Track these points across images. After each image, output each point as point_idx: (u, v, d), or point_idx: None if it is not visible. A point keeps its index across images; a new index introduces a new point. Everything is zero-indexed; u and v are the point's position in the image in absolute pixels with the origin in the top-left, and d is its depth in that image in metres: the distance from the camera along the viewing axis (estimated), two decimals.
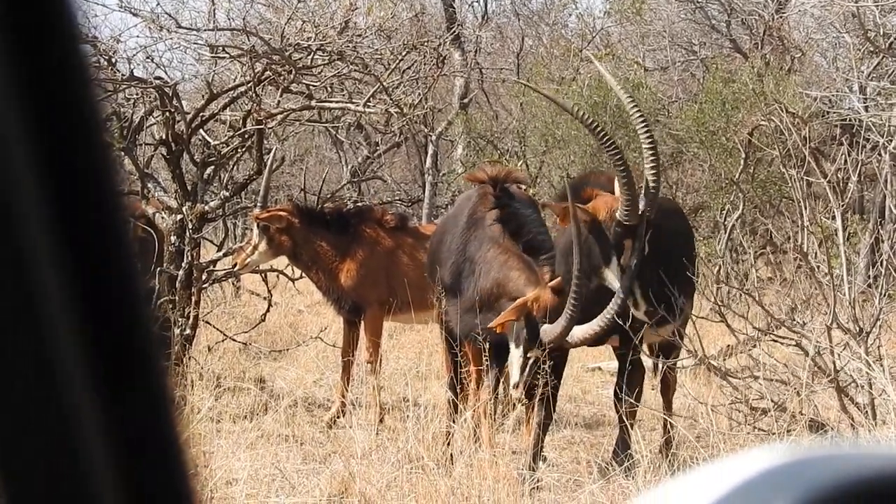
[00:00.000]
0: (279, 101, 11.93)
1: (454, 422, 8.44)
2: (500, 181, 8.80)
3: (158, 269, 10.99)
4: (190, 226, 11.07)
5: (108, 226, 1.16)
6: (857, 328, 7.94)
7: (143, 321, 1.18)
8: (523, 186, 9.81)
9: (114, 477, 1.14)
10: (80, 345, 1.12)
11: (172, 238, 11.15)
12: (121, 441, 1.14)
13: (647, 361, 9.37)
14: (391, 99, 12.06)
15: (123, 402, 1.15)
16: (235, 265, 11.29)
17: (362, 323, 10.89)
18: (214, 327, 12.12)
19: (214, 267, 11.91)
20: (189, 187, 11.46)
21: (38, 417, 1.10)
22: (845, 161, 10.53)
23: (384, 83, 12.03)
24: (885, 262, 9.24)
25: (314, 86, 12.12)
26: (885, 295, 8.56)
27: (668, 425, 8.94)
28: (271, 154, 11.60)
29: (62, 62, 1.13)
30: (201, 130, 11.87)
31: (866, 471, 1.15)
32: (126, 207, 1.18)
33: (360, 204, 12.73)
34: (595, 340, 9.00)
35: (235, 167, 13.46)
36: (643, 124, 8.23)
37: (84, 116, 1.15)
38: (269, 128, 12.04)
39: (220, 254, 12.11)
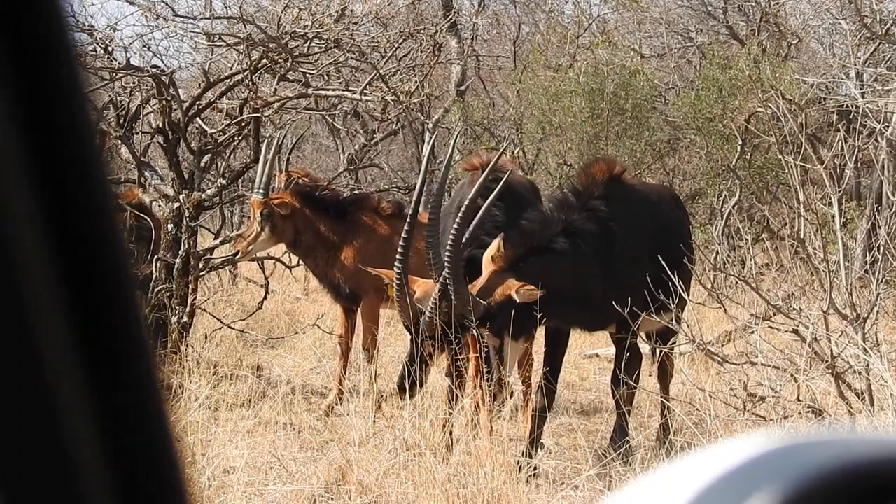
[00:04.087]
0: (276, 89, 11.93)
1: (452, 409, 8.44)
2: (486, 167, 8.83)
3: (155, 257, 10.99)
4: (187, 214, 11.06)
5: (94, 205, 1.15)
6: (855, 314, 7.94)
7: (134, 308, 1.17)
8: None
9: (104, 470, 1.13)
10: (68, 333, 1.12)
11: (169, 226, 11.14)
12: (111, 432, 1.14)
13: (645, 347, 9.38)
14: (388, 86, 12.05)
15: (113, 390, 1.15)
16: (237, 253, 11.27)
17: (359, 310, 10.90)
18: (211, 315, 12.12)
19: (211, 255, 11.91)
20: (186, 175, 11.46)
21: (24, 408, 1.10)
22: (842, 147, 10.53)
23: (381, 71, 12.03)
24: (881, 248, 9.23)
25: (311, 74, 12.11)
26: (882, 281, 8.56)
27: (666, 411, 8.95)
28: (275, 141, 11.59)
29: (45, 41, 1.13)
30: (198, 119, 11.85)
31: (854, 456, 1.15)
32: (113, 187, 1.18)
33: (356, 191, 12.71)
34: (590, 326, 9.06)
35: (232, 155, 13.44)
36: None
37: (68, 94, 1.14)
38: (265, 116, 12.02)
39: (217, 242, 12.11)
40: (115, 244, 1.16)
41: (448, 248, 7.96)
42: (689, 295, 8.86)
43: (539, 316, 7.88)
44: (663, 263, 8.09)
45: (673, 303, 8.17)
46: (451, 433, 8.24)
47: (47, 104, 1.12)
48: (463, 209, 8.11)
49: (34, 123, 1.11)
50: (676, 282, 8.14)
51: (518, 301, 7.86)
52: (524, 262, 8.10)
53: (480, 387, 8.18)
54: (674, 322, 8.64)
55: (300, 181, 11.86)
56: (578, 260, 8.26)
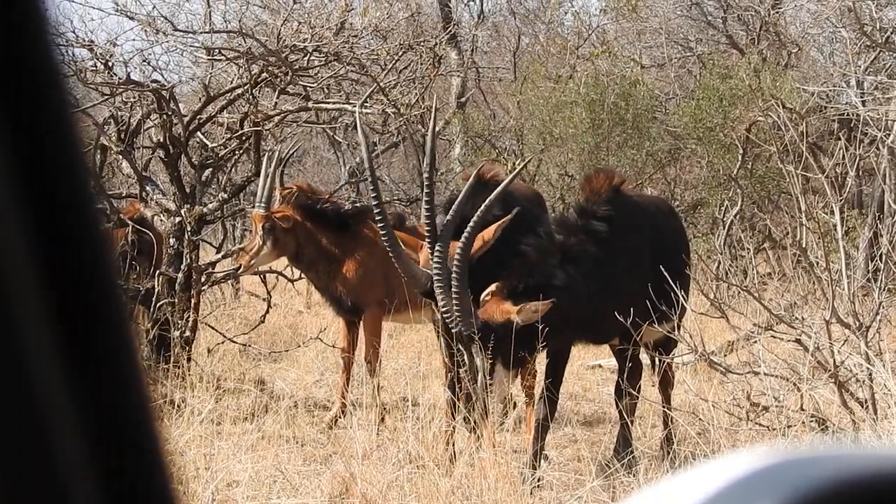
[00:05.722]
0: (276, 103, 11.93)
1: (454, 421, 8.44)
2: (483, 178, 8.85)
3: (157, 271, 10.99)
4: (188, 228, 11.07)
5: (78, 210, 1.15)
6: (857, 323, 7.93)
7: (118, 312, 1.17)
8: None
9: (88, 474, 1.13)
10: (53, 335, 1.11)
11: (171, 240, 11.16)
12: (96, 438, 1.14)
13: (644, 358, 9.37)
14: (388, 99, 12.06)
15: (101, 401, 1.15)
16: (240, 267, 11.26)
17: (362, 323, 10.89)
18: (214, 329, 12.12)
19: (213, 269, 11.91)
20: (187, 190, 11.47)
21: (9, 412, 1.10)
22: (843, 156, 10.52)
23: (381, 83, 12.03)
24: (884, 257, 9.23)
25: (311, 87, 12.12)
26: (884, 289, 8.55)
27: (669, 421, 8.94)
28: (276, 155, 11.59)
29: (28, 51, 1.12)
30: (199, 133, 11.87)
31: (853, 471, 1.15)
32: (96, 196, 1.18)
33: (358, 204, 12.71)
34: (595, 340, 9.05)
35: (233, 169, 13.45)
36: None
37: (53, 107, 1.14)
38: (266, 129, 12.03)
39: (219, 256, 12.11)
40: (101, 254, 1.16)
41: (458, 251, 7.97)
42: (687, 304, 8.86)
43: (540, 342, 7.88)
44: (665, 273, 8.10)
45: (674, 312, 8.18)
46: (453, 445, 8.23)
47: (31, 112, 1.12)
48: (475, 219, 8.12)
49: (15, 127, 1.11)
50: (678, 291, 8.15)
51: (520, 322, 7.83)
52: (524, 296, 8.05)
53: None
54: (674, 331, 8.65)
55: (299, 191, 11.84)
56: (577, 289, 8.23)
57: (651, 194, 15.76)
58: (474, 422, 8.02)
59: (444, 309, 7.98)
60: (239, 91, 11.67)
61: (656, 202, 10.50)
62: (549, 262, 8.23)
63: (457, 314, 7.89)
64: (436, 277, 8.03)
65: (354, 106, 11.95)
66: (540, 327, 7.81)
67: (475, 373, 7.95)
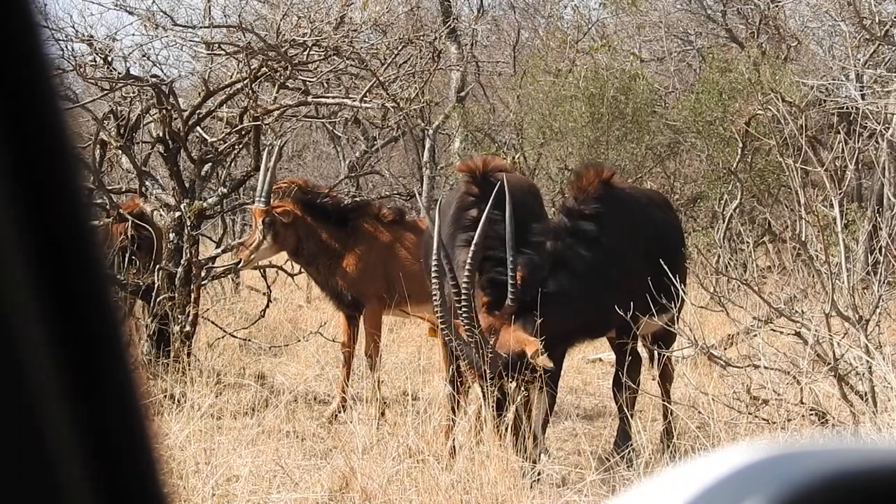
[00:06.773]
0: (276, 98, 11.93)
1: (455, 415, 8.43)
2: (481, 172, 8.72)
3: (157, 266, 11.00)
4: (188, 223, 11.08)
5: (69, 205, 1.15)
6: (857, 316, 7.93)
7: (113, 315, 1.17)
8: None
9: (84, 475, 1.13)
10: (48, 339, 1.11)
11: (171, 235, 11.16)
12: (91, 439, 1.14)
13: (644, 352, 9.37)
14: (388, 93, 12.06)
15: (92, 397, 1.15)
16: (240, 261, 11.25)
17: (362, 318, 10.89)
18: (214, 324, 12.12)
19: (213, 263, 11.91)
20: (187, 184, 11.47)
21: (4, 414, 1.10)
22: (842, 149, 10.52)
23: (380, 78, 12.03)
24: (883, 250, 9.23)
25: (311, 81, 12.13)
26: (884, 282, 8.56)
27: (669, 415, 8.94)
28: (275, 149, 11.58)
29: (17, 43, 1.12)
30: (198, 128, 11.87)
31: (844, 466, 1.15)
32: (85, 186, 1.17)
33: (358, 199, 12.71)
34: (591, 337, 9.01)
35: (233, 164, 13.45)
36: None
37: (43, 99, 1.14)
38: (265, 124, 12.03)
39: (219, 250, 12.11)
40: (96, 258, 1.16)
41: (462, 301, 7.79)
42: (686, 297, 8.86)
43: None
44: (663, 266, 8.09)
45: (674, 306, 8.18)
46: (454, 439, 8.22)
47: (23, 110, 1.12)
48: (474, 247, 7.93)
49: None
50: (677, 284, 8.15)
51: (529, 359, 7.71)
52: (529, 311, 7.93)
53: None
54: (672, 323, 8.65)
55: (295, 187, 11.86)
56: (573, 295, 8.18)
57: (646, 187, 15.75)
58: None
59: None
60: (238, 86, 11.67)
61: (650, 194, 10.49)
62: (547, 273, 8.13)
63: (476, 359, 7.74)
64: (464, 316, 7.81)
65: (354, 100, 11.97)
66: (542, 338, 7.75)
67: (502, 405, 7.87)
